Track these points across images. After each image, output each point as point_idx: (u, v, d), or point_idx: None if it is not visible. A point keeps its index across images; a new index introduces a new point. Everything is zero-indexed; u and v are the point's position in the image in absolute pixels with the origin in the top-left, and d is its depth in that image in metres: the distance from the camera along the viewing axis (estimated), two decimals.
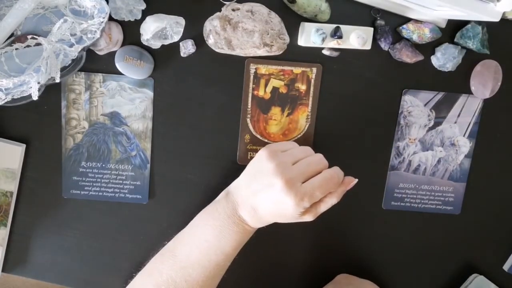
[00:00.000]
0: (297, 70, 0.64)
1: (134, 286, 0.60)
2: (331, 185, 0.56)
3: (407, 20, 0.64)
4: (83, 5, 0.57)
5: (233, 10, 0.60)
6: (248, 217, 0.58)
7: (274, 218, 0.58)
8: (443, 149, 0.69)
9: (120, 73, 0.62)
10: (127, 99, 0.64)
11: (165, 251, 0.60)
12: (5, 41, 0.57)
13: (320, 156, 0.58)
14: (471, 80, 0.66)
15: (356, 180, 0.59)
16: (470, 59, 0.65)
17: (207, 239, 0.57)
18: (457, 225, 0.71)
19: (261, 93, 0.65)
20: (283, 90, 0.65)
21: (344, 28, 0.62)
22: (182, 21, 0.60)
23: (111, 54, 0.62)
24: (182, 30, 0.60)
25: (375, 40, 0.64)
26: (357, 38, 0.62)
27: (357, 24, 0.62)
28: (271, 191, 0.55)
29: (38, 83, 0.56)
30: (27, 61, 0.57)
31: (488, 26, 0.64)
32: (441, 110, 0.67)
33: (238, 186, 0.59)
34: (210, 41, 0.61)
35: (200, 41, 0.62)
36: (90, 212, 0.67)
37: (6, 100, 0.56)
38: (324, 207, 0.58)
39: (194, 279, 0.56)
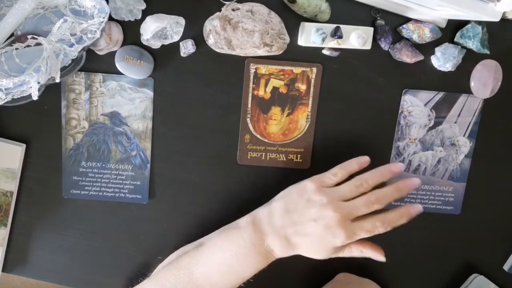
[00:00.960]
0: (297, 70, 0.64)
1: None
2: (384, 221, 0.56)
3: (407, 20, 0.64)
4: (83, 5, 0.57)
5: (233, 10, 0.60)
6: (278, 247, 0.57)
7: (309, 251, 0.57)
8: (443, 149, 0.69)
9: (120, 73, 0.62)
10: (127, 99, 0.64)
11: (181, 267, 0.58)
12: (5, 41, 0.57)
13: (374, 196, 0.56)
14: (471, 80, 0.66)
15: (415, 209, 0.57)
16: (470, 59, 0.65)
17: (229, 264, 0.56)
18: (457, 225, 0.71)
19: (261, 93, 0.65)
20: (283, 90, 0.65)
21: (344, 28, 0.62)
22: (182, 21, 0.60)
23: (111, 54, 0.62)
24: (182, 30, 0.60)
25: (375, 40, 0.64)
26: (357, 38, 0.62)
27: (357, 24, 0.62)
28: (320, 223, 0.54)
29: (38, 83, 0.56)
30: (27, 61, 0.57)
31: (488, 26, 0.64)
32: (441, 110, 0.67)
33: (271, 215, 0.57)
34: (210, 41, 0.61)
35: (200, 41, 0.62)
36: (90, 212, 0.67)
37: (6, 100, 0.56)
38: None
39: None
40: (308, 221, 0.55)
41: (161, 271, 0.59)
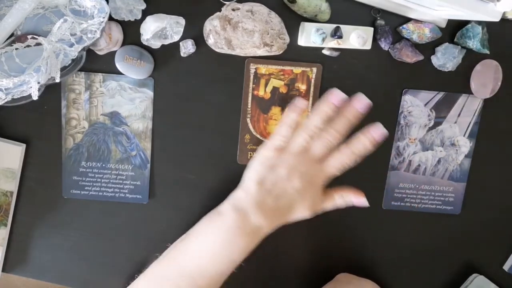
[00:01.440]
0: (297, 70, 0.64)
1: None
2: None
3: (407, 20, 0.64)
4: (83, 5, 0.57)
5: (233, 10, 0.60)
6: (265, 222, 0.56)
7: (295, 211, 0.58)
8: (443, 149, 0.69)
9: (120, 73, 0.62)
10: (127, 99, 0.64)
11: (169, 258, 0.58)
12: (5, 41, 0.57)
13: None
14: (471, 80, 0.66)
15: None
16: (470, 59, 0.65)
17: (216, 250, 0.56)
18: (457, 225, 0.71)
19: (261, 93, 0.65)
20: (283, 90, 0.65)
21: (344, 28, 0.62)
22: (182, 21, 0.60)
23: (111, 54, 0.62)
24: (182, 30, 0.60)
25: (375, 40, 0.64)
26: (357, 38, 0.62)
27: (357, 24, 0.62)
28: (293, 179, 0.56)
29: (38, 83, 0.56)
30: (27, 61, 0.57)
31: (488, 26, 0.64)
32: (441, 110, 0.67)
33: (247, 193, 0.57)
34: (210, 41, 0.61)
35: (200, 41, 0.62)
36: (90, 212, 0.67)
37: (6, 100, 0.56)
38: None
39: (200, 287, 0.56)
40: (282, 182, 0.56)
41: (151, 265, 0.60)
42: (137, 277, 0.61)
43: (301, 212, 0.58)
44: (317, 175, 0.58)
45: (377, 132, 0.58)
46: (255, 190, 0.57)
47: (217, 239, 0.56)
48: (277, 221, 0.58)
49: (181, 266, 0.57)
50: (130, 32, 0.61)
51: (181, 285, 0.56)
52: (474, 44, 0.63)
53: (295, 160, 0.57)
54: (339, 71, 0.65)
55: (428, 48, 0.65)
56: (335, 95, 0.57)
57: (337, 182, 0.69)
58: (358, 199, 0.61)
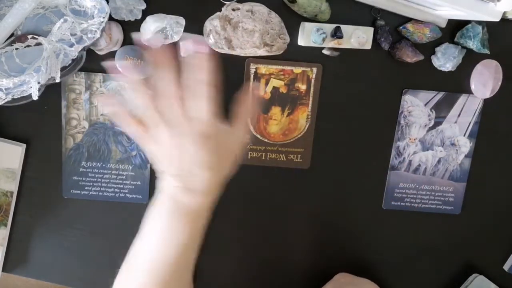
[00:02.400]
0: (297, 70, 0.64)
1: None
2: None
3: (407, 20, 0.64)
4: (83, 5, 0.57)
5: (233, 10, 0.60)
6: (189, 194, 0.52)
7: (210, 162, 0.52)
8: (443, 149, 0.69)
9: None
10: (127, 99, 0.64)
11: (123, 270, 0.57)
12: (5, 41, 0.57)
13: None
14: (471, 80, 0.66)
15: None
16: (470, 59, 0.65)
17: (159, 237, 0.54)
18: (457, 225, 0.71)
19: (261, 92, 0.65)
20: (283, 90, 0.65)
21: (344, 28, 0.62)
22: (182, 21, 0.60)
23: (111, 54, 0.62)
24: (182, 30, 0.60)
25: (375, 40, 0.63)
26: (357, 38, 0.62)
27: (357, 24, 0.62)
28: (176, 136, 0.51)
29: (38, 83, 0.56)
30: (28, 61, 0.57)
31: (488, 26, 0.64)
32: (441, 110, 0.67)
33: (162, 177, 0.53)
34: (210, 41, 0.61)
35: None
36: (90, 212, 0.67)
37: (6, 100, 0.56)
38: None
39: (163, 278, 0.54)
40: (175, 148, 0.51)
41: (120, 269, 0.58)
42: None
43: (213, 166, 0.53)
44: (187, 131, 0.51)
45: (198, 46, 0.52)
46: (163, 168, 0.53)
47: (158, 228, 0.54)
48: (200, 186, 0.53)
49: (136, 260, 0.55)
50: (130, 32, 0.61)
51: (146, 282, 0.54)
52: (474, 44, 0.63)
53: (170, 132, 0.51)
54: (339, 71, 0.65)
55: (428, 48, 0.65)
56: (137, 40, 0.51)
57: (337, 183, 0.69)
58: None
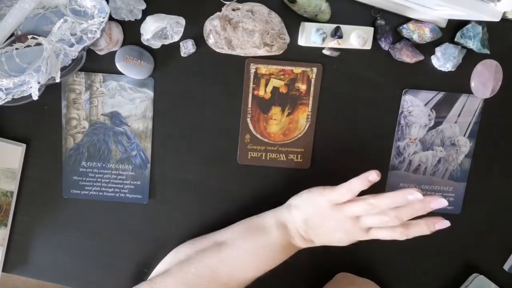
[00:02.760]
0: (297, 70, 0.64)
1: None
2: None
3: (408, 20, 0.64)
4: (83, 5, 0.57)
5: (234, 10, 0.60)
6: (304, 245, 0.62)
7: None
8: (443, 149, 0.69)
9: (121, 73, 0.62)
10: (127, 99, 0.64)
11: (203, 266, 0.59)
12: (5, 41, 0.57)
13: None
14: (471, 80, 0.66)
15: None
16: (471, 59, 0.65)
17: (255, 264, 0.60)
18: (457, 225, 0.71)
19: (261, 93, 0.65)
20: (283, 90, 0.65)
21: (344, 28, 0.62)
22: (182, 21, 0.60)
23: (112, 54, 0.62)
24: (182, 30, 0.60)
25: (375, 40, 0.64)
26: (357, 38, 0.62)
27: (358, 24, 0.62)
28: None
29: (39, 83, 0.56)
30: (28, 61, 0.57)
31: (488, 25, 0.64)
32: (441, 110, 0.67)
33: (293, 220, 0.60)
34: (210, 41, 0.61)
35: (200, 41, 0.62)
36: (90, 212, 0.67)
37: (6, 100, 0.56)
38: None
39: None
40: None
41: (174, 269, 0.59)
42: (146, 271, 0.61)
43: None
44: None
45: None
46: (301, 223, 0.59)
47: (259, 255, 0.59)
48: (315, 244, 0.62)
49: (218, 275, 0.58)
50: (130, 32, 0.61)
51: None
52: (474, 44, 0.63)
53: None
54: (339, 71, 0.65)
55: (428, 48, 0.65)
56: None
57: (338, 183, 0.69)
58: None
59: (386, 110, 0.67)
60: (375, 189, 0.69)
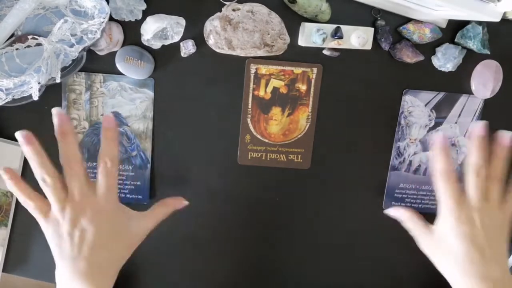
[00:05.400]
0: (298, 70, 0.64)
1: None
2: None
3: (408, 20, 0.64)
4: (83, 5, 0.58)
5: (234, 10, 0.60)
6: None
7: None
8: None
9: (121, 73, 0.62)
10: (127, 99, 0.64)
11: None
12: (5, 41, 0.57)
13: None
14: (471, 80, 0.66)
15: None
16: (471, 59, 0.65)
17: None
18: None
19: (261, 93, 0.65)
20: (283, 90, 0.65)
21: (344, 28, 0.62)
22: (182, 21, 0.60)
23: (112, 54, 0.62)
24: (182, 30, 0.60)
25: (375, 40, 0.64)
26: (357, 38, 0.62)
27: (358, 24, 0.62)
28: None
29: (39, 83, 0.56)
30: (28, 61, 0.57)
31: (488, 26, 0.64)
32: (441, 110, 0.67)
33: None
34: (211, 41, 0.61)
35: (200, 41, 0.62)
36: None
37: (6, 100, 0.56)
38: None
39: None
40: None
41: None
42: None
43: (101, 243, 0.55)
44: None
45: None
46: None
47: None
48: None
49: None
50: (131, 32, 0.61)
51: None
52: (475, 44, 0.63)
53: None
54: (340, 71, 0.65)
55: (428, 48, 0.65)
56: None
57: (338, 183, 0.69)
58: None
59: (386, 110, 0.67)
60: (375, 189, 0.69)
